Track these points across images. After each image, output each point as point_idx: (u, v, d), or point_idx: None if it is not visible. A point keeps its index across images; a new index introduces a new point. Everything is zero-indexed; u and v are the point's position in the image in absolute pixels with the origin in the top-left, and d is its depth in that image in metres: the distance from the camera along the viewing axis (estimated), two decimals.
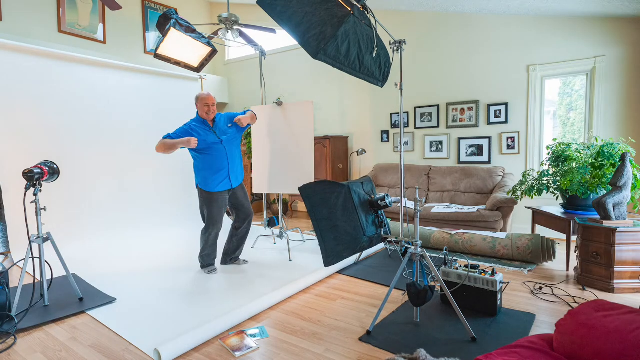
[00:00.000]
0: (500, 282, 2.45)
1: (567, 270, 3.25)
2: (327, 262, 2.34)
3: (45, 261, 2.64)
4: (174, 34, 3.07)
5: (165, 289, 2.98)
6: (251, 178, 6.05)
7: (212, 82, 7.10)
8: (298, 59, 6.39)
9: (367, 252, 3.87)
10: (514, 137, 4.63)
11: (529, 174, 3.60)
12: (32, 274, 3.23)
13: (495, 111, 4.74)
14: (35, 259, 3.15)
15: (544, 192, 3.51)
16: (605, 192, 3.06)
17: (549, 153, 3.54)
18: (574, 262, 3.47)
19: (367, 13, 2.16)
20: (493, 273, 2.45)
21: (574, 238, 3.66)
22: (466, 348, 2.03)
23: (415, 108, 5.35)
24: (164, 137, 3.13)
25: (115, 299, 2.79)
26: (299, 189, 2.38)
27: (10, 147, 3.70)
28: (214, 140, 3.22)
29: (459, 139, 5.02)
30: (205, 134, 3.20)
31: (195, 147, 3.09)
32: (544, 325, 2.30)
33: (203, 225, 3.37)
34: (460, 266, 2.60)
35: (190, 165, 4.42)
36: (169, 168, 5.08)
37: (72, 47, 5.25)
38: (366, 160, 5.96)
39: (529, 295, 2.76)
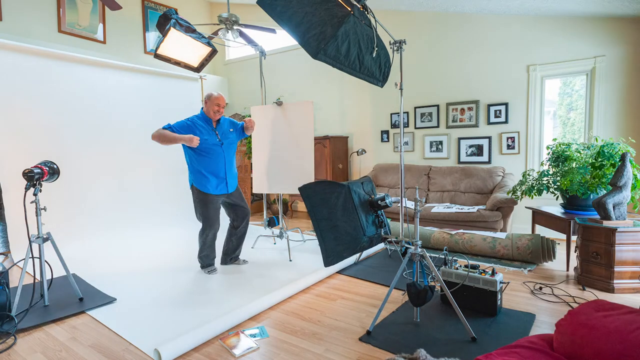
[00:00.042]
0: (500, 282, 2.45)
1: (567, 270, 3.25)
2: (327, 262, 2.34)
3: (45, 261, 2.64)
4: (174, 34, 3.07)
5: (165, 289, 2.98)
6: (251, 178, 6.04)
7: (212, 82, 7.10)
8: (298, 59, 6.39)
9: (367, 252, 3.87)
10: (514, 137, 4.63)
11: (529, 174, 3.60)
12: (32, 274, 3.23)
13: (495, 111, 4.74)
14: (35, 259, 3.15)
15: (544, 192, 3.51)
16: (605, 192, 3.06)
17: (549, 153, 3.54)
18: (574, 262, 3.47)
19: (367, 13, 2.16)
20: (493, 273, 2.45)
21: (574, 238, 3.66)
22: (466, 348, 2.03)
23: (415, 108, 5.35)
24: (164, 127, 3.06)
25: (115, 299, 2.79)
26: (299, 189, 2.38)
27: (10, 147, 3.70)
28: (215, 142, 3.21)
29: (459, 139, 5.02)
30: (207, 134, 3.18)
31: (197, 146, 3.06)
32: (544, 325, 2.30)
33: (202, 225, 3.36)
34: (460, 266, 2.60)
35: None
36: (169, 168, 5.08)
37: (72, 47, 5.25)
38: (366, 160, 5.96)
39: (529, 295, 2.76)
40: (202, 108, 3.24)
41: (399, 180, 4.49)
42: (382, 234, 2.61)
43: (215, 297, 2.79)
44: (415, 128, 5.38)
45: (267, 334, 2.25)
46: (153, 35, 6.32)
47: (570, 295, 2.74)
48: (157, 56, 3.26)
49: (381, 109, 5.71)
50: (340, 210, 2.41)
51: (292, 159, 3.89)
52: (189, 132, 3.11)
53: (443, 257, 3.21)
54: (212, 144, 3.19)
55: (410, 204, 4.47)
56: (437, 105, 5.17)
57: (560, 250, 3.84)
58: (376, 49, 2.21)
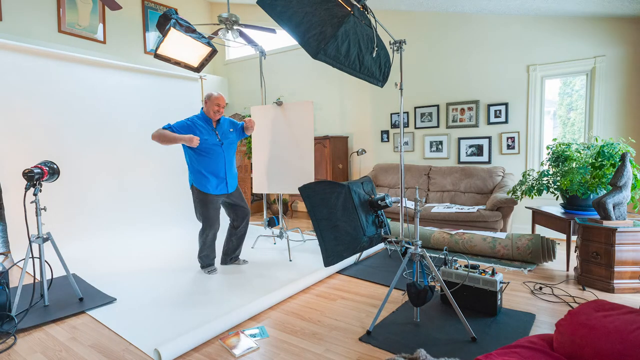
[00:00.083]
0: (500, 282, 2.45)
1: (567, 270, 3.25)
2: (327, 262, 2.34)
3: (45, 261, 2.64)
4: (174, 34, 3.07)
5: (165, 289, 2.98)
6: (251, 178, 6.04)
7: (212, 82, 7.10)
8: (298, 59, 6.39)
9: (367, 252, 3.87)
10: (514, 137, 4.63)
11: (529, 174, 3.60)
12: (32, 274, 3.23)
13: (495, 111, 4.74)
14: (35, 259, 3.15)
15: (544, 192, 3.51)
16: (605, 192, 3.06)
17: (549, 153, 3.54)
18: (574, 262, 3.47)
19: (367, 13, 2.16)
20: (493, 273, 2.45)
21: (574, 238, 3.66)
22: (466, 348, 2.03)
23: (415, 108, 5.35)
24: (164, 127, 3.06)
25: (115, 299, 2.79)
26: (299, 189, 2.38)
27: (10, 147, 3.70)
28: (215, 142, 3.21)
29: (459, 139, 5.02)
30: (207, 134, 3.18)
31: (197, 146, 3.06)
32: (544, 325, 2.30)
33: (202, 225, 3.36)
34: (460, 266, 2.60)
35: None
36: (169, 168, 5.08)
37: (72, 47, 5.25)
38: (366, 160, 5.96)
39: (529, 295, 2.76)
40: (202, 108, 3.24)
41: (399, 180, 4.49)
42: (382, 234, 2.61)
43: (215, 297, 2.79)
44: (415, 128, 5.38)
45: (267, 334, 2.25)
46: (153, 35, 6.32)
47: (570, 295, 2.74)
48: (157, 56, 3.26)
49: (381, 109, 5.71)
50: (340, 210, 2.41)
51: (292, 159, 3.89)
52: (189, 132, 3.11)
53: (443, 257, 3.21)
54: (212, 144, 3.19)
55: (410, 204, 4.47)
56: (437, 105, 5.17)
57: (560, 250, 3.84)
58: (376, 49, 2.21)
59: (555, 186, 3.37)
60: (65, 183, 4.06)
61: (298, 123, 3.84)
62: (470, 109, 4.91)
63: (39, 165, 2.56)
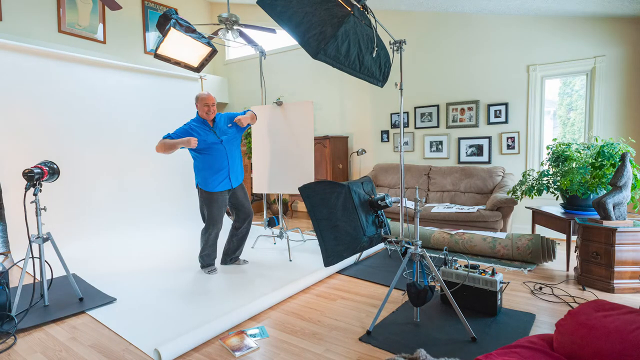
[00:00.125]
0: (500, 282, 2.45)
1: (567, 270, 3.25)
2: (327, 262, 2.34)
3: (45, 261, 2.64)
4: (174, 34, 3.07)
5: (165, 289, 2.98)
6: (251, 178, 6.05)
7: (212, 82, 7.10)
8: (298, 59, 6.39)
9: (367, 252, 3.87)
10: (514, 137, 4.63)
11: (529, 174, 3.60)
12: (32, 274, 3.23)
13: (495, 111, 4.74)
14: (35, 259, 3.15)
15: (544, 192, 3.51)
16: (605, 192, 3.06)
17: (549, 153, 3.54)
18: (574, 262, 3.47)
19: (367, 13, 2.16)
20: (493, 273, 2.45)
21: (574, 238, 3.66)
22: (466, 348, 2.03)
23: (415, 108, 5.35)
24: (164, 137, 3.14)
25: (115, 299, 2.79)
26: (299, 189, 2.38)
27: (10, 147, 3.70)
28: (214, 140, 3.22)
29: (459, 139, 5.02)
30: (205, 134, 3.20)
31: (195, 147, 3.09)
32: (544, 325, 2.30)
33: (203, 225, 3.37)
34: (460, 266, 2.60)
35: (190, 165, 4.41)
36: (169, 168, 5.08)
37: (72, 47, 5.25)
38: (366, 160, 5.96)
39: (529, 295, 2.76)
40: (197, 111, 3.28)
41: (399, 180, 4.49)
42: (382, 234, 2.61)
43: (215, 297, 2.79)
44: (415, 128, 5.38)
45: (267, 334, 2.25)
46: (153, 35, 6.32)
47: (570, 295, 2.74)
48: (157, 56, 3.26)
49: (381, 109, 5.71)
50: (340, 210, 2.41)
51: (292, 159, 3.89)
52: (188, 136, 3.14)
53: (443, 257, 3.21)
54: (211, 142, 3.21)
55: (410, 204, 4.47)
56: (437, 105, 5.17)
57: (560, 250, 3.84)
58: (376, 49, 2.21)
59: (555, 186, 3.37)
60: (65, 183, 4.06)
61: (298, 123, 3.84)
62: (470, 109, 4.91)
63: (39, 165, 2.56)
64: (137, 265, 3.61)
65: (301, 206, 6.65)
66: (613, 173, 2.90)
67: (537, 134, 4.53)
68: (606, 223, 2.76)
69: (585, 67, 4.18)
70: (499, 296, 2.45)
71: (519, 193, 3.58)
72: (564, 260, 3.53)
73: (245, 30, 4.89)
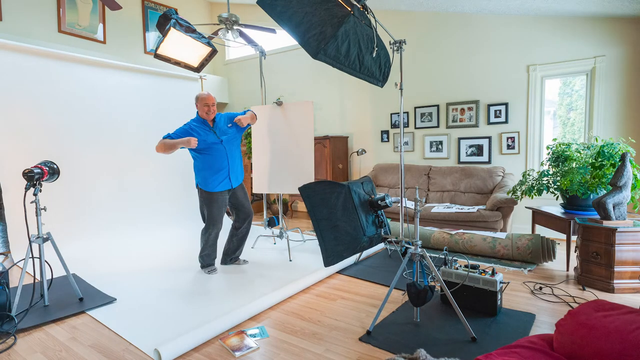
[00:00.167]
0: (500, 282, 2.45)
1: (567, 270, 3.25)
2: (327, 262, 2.34)
3: (45, 261, 2.64)
4: (174, 34, 3.07)
5: (165, 289, 2.98)
6: (251, 178, 6.05)
7: (212, 82, 7.10)
8: (298, 59, 6.39)
9: (367, 252, 3.87)
10: (514, 137, 4.63)
11: (529, 174, 3.60)
12: (32, 274, 3.23)
13: (495, 111, 4.74)
14: (35, 259, 3.15)
15: (544, 192, 3.51)
16: (605, 192, 3.06)
17: (549, 153, 3.54)
18: (574, 262, 3.47)
19: (367, 13, 2.16)
20: (493, 273, 2.45)
21: (574, 238, 3.66)
22: (466, 348, 2.03)
23: (415, 108, 5.35)
24: (164, 137, 3.14)
25: (115, 299, 2.79)
26: (299, 189, 2.38)
27: (10, 147, 3.70)
28: (214, 140, 3.22)
29: (459, 139, 5.02)
30: (205, 134, 3.20)
31: (195, 147, 3.09)
32: (544, 325, 2.30)
33: (203, 225, 3.37)
34: (460, 266, 2.60)
35: (190, 165, 4.40)
36: (169, 168, 5.08)
37: (72, 47, 5.25)
38: (366, 160, 5.96)
39: (529, 295, 2.76)
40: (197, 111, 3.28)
41: (399, 180, 4.49)
42: (382, 234, 2.61)
43: (215, 297, 2.79)
44: (415, 128, 5.38)
45: (267, 334, 2.25)
46: (153, 35, 6.32)
47: (570, 295, 2.74)
48: (157, 56, 3.26)
49: (381, 109, 5.71)
50: (340, 210, 2.41)
51: (292, 159, 3.89)
52: (188, 136, 3.14)
53: (443, 257, 3.21)
54: (211, 142, 3.21)
55: (410, 204, 4.47)
56: (437, 105, 5.17)
57: (560, 250, 3.84)
58: (376, 49, 2.21)
59: (555, 186, 3.37)
60: (65, 183, 4.06)
61: (298, 123, 3.84)
62: (470, 109, 4.91)
63: (39, 165, 2.56)
64: (137, 265, 3.61)
65: (301, 206, 6.65)
66: (613, 173, 2.90)
67: (537, 134, 4.53)
68: (606, 223, 2.76)
69: (585, 67, 4.18)
70: (499, 296, 2.45)
71: (519, 193, 3.58)
72: (564, 260, 3.53)
73: (245, 30, 4.89)
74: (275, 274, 3.27)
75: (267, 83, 6.64)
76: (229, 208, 3.49)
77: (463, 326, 2.26)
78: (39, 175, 2.50)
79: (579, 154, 3.34)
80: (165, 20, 3.05)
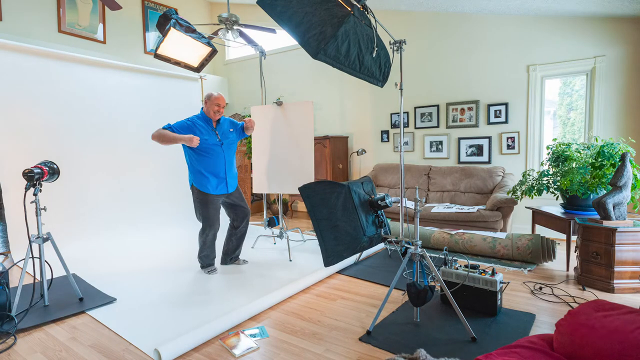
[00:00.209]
0: (500, 282, 2.45)
1: (567, 270, 3.25)
2: (327, 262, 2.34)
3: (45, 261, 2.64)
4: (174, 34, 3.07)
5: (165, 289, 2.98)
6: (251, 178, 6.04)
7: (212, 82, 7.10)
8: (298, 59, 6.40)
9: (367, 252, 3.87)
10: (514, 137, 4.63)
11: (529, 174, 3.60)
12: (32, 274, 3.23)
13: (495, 111, 4.74)
14: (35, 259, 3.15)
15: (544, 192, 3.51)
16: (605, 192, 3.06)
17: (549, 153, 3.54)
18: (574, 262, 3.47)
19: (367, 13, 2.16)
20: (493, 273, 2.45)
21: (574, 238, 3.66)
22: (466, 348, 2.03)
23: (415, 108, 5.35)
24: (164, 127, 3.06)
25: (115, 299, 2.79)
26: (299, 189, 2.38)
27: (10, 147, 3.70)
28: (215, 142, 3.21)
29: (459, 139, 5.02)
30: (207, 134, 3.18)
31: (197, 146, 3.06)
32: (544, 325, 2.30)
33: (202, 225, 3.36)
34: (460, 266, 2.60)
35: None
36: (169, 168, 5.08)
37: (72, 47, 5.25)
38: (366, 160, 5.96)
39: (529, 295, 2.76)
40: (202, 108, 3.24)
41: (399, 180, 4.49)
42: (382, 234, 2.61)
43: (215, 297, 2.79)
44: (415, 128, 5.38)
45: (267, 334, 2.25)
46: (153, 35, 6.32)
47: (570, 295, 2.74)
48: (157, 56, 3.26)
49: (381, 109, 5.71)
50: (340, 210, 2.41)
51: (292, 159, 3.88)
52: (189, 132, 3.11)
53: (443, 257, 3.21)
54: (212, 143, 3.19)
55: (410, 204, 4.47)
56: (437, 105, 5.17)
57: (560, 250, 3.84)
58: (376, 49, 2.21)
59: (555, 186, 3.37)
60: (65, 183, 4.06)
61: (298, 123, 3.84)
62: (470, 109, 4.91)
63: (39, 165, 2.56)
64: (137, 266, 3.61)
65: (301, 206, 6.65)
66: (613, 173, 2.90)
67: (537, 134, 4.53)
68: (606, 223, 2.76)
69: (585, 67, 4.18)
70: (499, 296, 2.45)
71: (519, 193, 3.58)
72: (564, 260, 3.53)
73: (245, 30, 4.89)
74: (275, 274, 3.27)
75: (267, 83, 6.64)
76: (226, 210, 3.48)
77: (463, 326, 2.26)
78: (39, 175, 2.50)
79: (579, 154, 3.34)
80: (165, 20, 3.05)
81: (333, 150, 5.71)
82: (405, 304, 2.62)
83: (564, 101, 4.54)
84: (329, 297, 2.81)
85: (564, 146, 3.44)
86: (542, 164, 3.84)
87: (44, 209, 2.56)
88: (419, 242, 2.29)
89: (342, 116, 6.11)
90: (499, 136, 4.74)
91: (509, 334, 2.18)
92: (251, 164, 4.36)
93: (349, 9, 2.01)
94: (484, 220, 4.03)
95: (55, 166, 2.66)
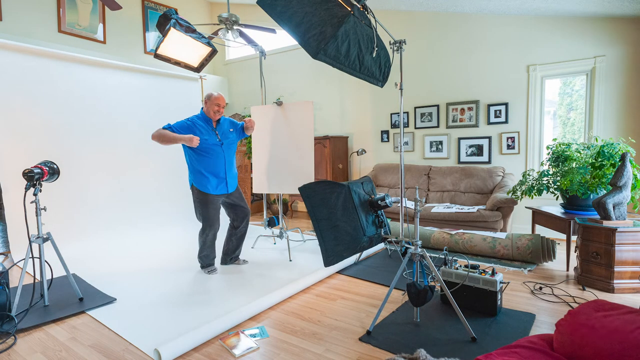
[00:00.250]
0: (500, 282, 2.45)
1: (567, 270, 3.25)
2: (327, 262, 2.34)
3: (45, 261, 2.64)
4: (174, 34, 3.07)
5: (165, 289, 2.98)
6: (251, 178, 6.04)
7: (212, 82, 7.10)
8: (298, 59, 6.40)
9: (367, 252, 3.87)
10: (514, 137, 4.63)
11: (529, 174, 3.60)
12: (32, 274, 3.23)
13: (495, 111, 4.74)
14: (35, 259, 3.16)
15: (544, 192, 3.51)
16: (605, 192, 3.06)
17: (549, 153, 3.54)
18: (574, 262, 3.47)
19: (367, 13, 2.16)
20: (493, 273, 2.45)
21: (574, 238, 3.66)
22: (466, 348, 2.03)
23: (415, 108, 5.35)
24: (164, 127, 3.07)
25: (115, 299, 2.79)
26: (299, 189, 2.38)
27: (10, 147, 3.70)
28: (215, 142, 3.21)
29: (459, 139, 5.02)
30: (207, 133, 3.18)
31: (197, 146, 3.06)
32: (544, 325, 2.30)
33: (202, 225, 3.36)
34: (460, 266, 2.60)
35: None
36: (169, 168, 5.08)
37: (72, 47, 5.25)
38: (366, 160, 5.96)
39: (529, 295, 2.76)
40: (202, 108, 3.25)
41: (399, 180, 4.49)
42: (382, 234, 2.61)
43: (215, 297, 2.79)
44: (415, 128, 5.38)
45: (267, 334, 2.25)
46: (153, 35, 6.32)
47: (570, 295, 2.74)
48: (157, 56, 3.26)
49: (381, 109, 5.71)
50: (340, 210, 2.41)
51: (292, 159, 3.89)
52: (189, 132, 3.11)
53: (443, 257, 3.21)
54: (212, 143, 3.19)
55: (410, 204, 4.47)
56: (437, 105, 5.17)
57: (560, 250, 3.84)
58: (376, 49, 2.21)
59: (555, 186, 3.37)
60: (65, 183, 4.06)
61: (298, 123, 3.84)
62: (470, 109, 4.91)
63: (39, 165, 2.56)
64: (136, 265, 3.61)
65: (301, 206, 6.65)
66: (613, 173, 2.90)
67: (537, 134, 4.53)
68: (606, 223, 2.76)
69: (585, 67, 4.18)
70: (499, 296, 2.45)
71: (519, 193, 3.58)
72: (564, 260, 3.53)
73: (245, 30, 4.89)
74: (275, 274, 3.27)
75: (267, 83, 6.64)
76: (226, 210, 3.48)
77: (463, 326, 2.26)
78: (39, 175, 2.50)
79: (579, 154, 3.34)
80: (165, 20, 3.05)
81: (333, 150, 5.71)
82: (405, 304, 2.62)
83: (564, 101, 4.54)
84: (329, 297, 2.81)
85: (564, 146, 3.44)
86: (542, 164, 3.84)
87: (44, 209, 2.56)
88: (419, 242, 2.29)
89: (342, 116, 6.11)
90: (499, 136, 4.74)
91: (509, 334, 2.18)
92: (251, 164, 4.36)
93: (349, 9, 2.01)
94: (484, 220, 4.03)
95: (55, 166, 2.67)
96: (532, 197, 3.46)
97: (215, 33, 4.22)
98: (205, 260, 3.37)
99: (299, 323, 2.40)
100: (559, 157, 3.41)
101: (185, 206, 5.16)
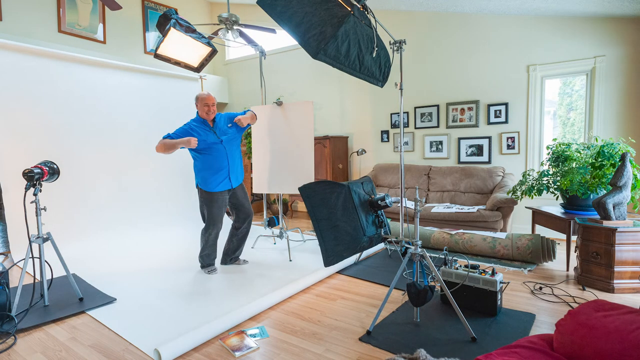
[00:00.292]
0: (500, 282, 2.45)
1: (567, 270, 3.25)
2: (327, 262, 2.34)
3: (45, 261, 2.64)
4: (174, 34, 3.07)
5: (165, 289, 2.98)
6: (251, 178, 6.05)
7: (212, 82, 7.10)
8: (298, 59, 6.39)
9: (367, 252, 3.87)
10: (514, 137, 4.63)
11: (529, 174, 3.60)
12: (32, 274, 3.23)
13: (495, 111, 4.74)
14: (35, 259, 3.16)
15: (544, 192, 3.51)
16: (605, 192, 3.06)
17: (549, 153, 3.54)
18: (574, 262, 3.47)
19: (367, 13, 2.16)
20: (493, 273, 2.45)
21: (574, 238, 3.66)
22: (466, 348, 2.03)
23: (415, 108, 5.35)
24: (164, 137, 3.14)
25: (115, 299, 2.79)
26: (299, 189, 2.38)
27: (10, 147, 3.70)
28: (214, 140, 3.23)
29: (459, 139, 5.02)
30: (205, 134, 3.20)
31: (195, 147, 3.09)
32: (544, 325, 2.30)
33: (203, 225, 3.37)
34: (460, 266, 2.60)
35: (190, 165, 4.40)
36: (169, 168, 5.08)
37: (72, 47, 5.25)
38: (366, 160, 5.96)
39: (529, 295, 2.76)
40: (197, 111, 3.28)
41: (399, 180, 4.49)
42: (382, 234, 2.61)
43: (215, 297, 2.79)
44: (415, 128, 5.38)
45: (267, 334, 2.25)
46: (153, 35, 6.32)
47: (570, 295, 2.74)
48: (157, 56, 3.26)
49: (381, 109, 5.71)
50: (340, 210, 2.41)
51: (292, 159, 3.89)
52: (188, 136, 3.14)
53: (443, 257, 3.21)
54: (211, 142, 3.21)
55: (410, 204, 4.47)
56: (437, 105, 5.17)
57: (560, 250, 3.84)
58: (376, 49, 2.21)
59: (555, 186, 3.37)
60: (65, 183, 4.06)
61: (298, 123, 3.84)
62: (470, 109, 4.91)
63: (39, 165, 2.56)
64: (137, 265, 3.61)
65: (301, 206, 6.65)
66: (613, 173, 2.90)
67: (537, 134, 4.53)
68: (606, 223, 2.76)
69: (585, 67, 4.18)
70: (499, 296, 2.45)
71: (519, 193, 3.58)
72: (564, 260, 3.53)
73: (245, 30, 4.89)
74: (275, 274, 3.27)
75: (267, 83, 6.64)
76: (228, 208, 3.49)
77: (463, 326, 2.26)
78: (39, 175, 2.50)
79: (579, 154, 3.34)
80: (165, 20, 3.05)
81: (333, 150, 5.71)
82: (405, 304, 2.62)
83: (564, 101, 4.54)
84: (329, 297, 2.81)
85: (564, 146, 3.44)
86: (542, 164, 3.84)
87: (44, 209, 2.56)
88: (419, 242, 2.29)
89: (342, 116, 6.11)
90: (499, 136, 4.74)
91: (509, 334, 2.18)
92: (251, 164, 4.36)
93: (349, 9, 2.01)
94: (484, 220, 4.03)
95: (55, 166, 2.67)
96: (532, 197, 3.46)
97: (215, 33, 4.22)
98: (206, 260, 3.37)
99: (299, 323, 2.40)
100: (559, 157, 3.41)
101: (186, 206, 5.16)
